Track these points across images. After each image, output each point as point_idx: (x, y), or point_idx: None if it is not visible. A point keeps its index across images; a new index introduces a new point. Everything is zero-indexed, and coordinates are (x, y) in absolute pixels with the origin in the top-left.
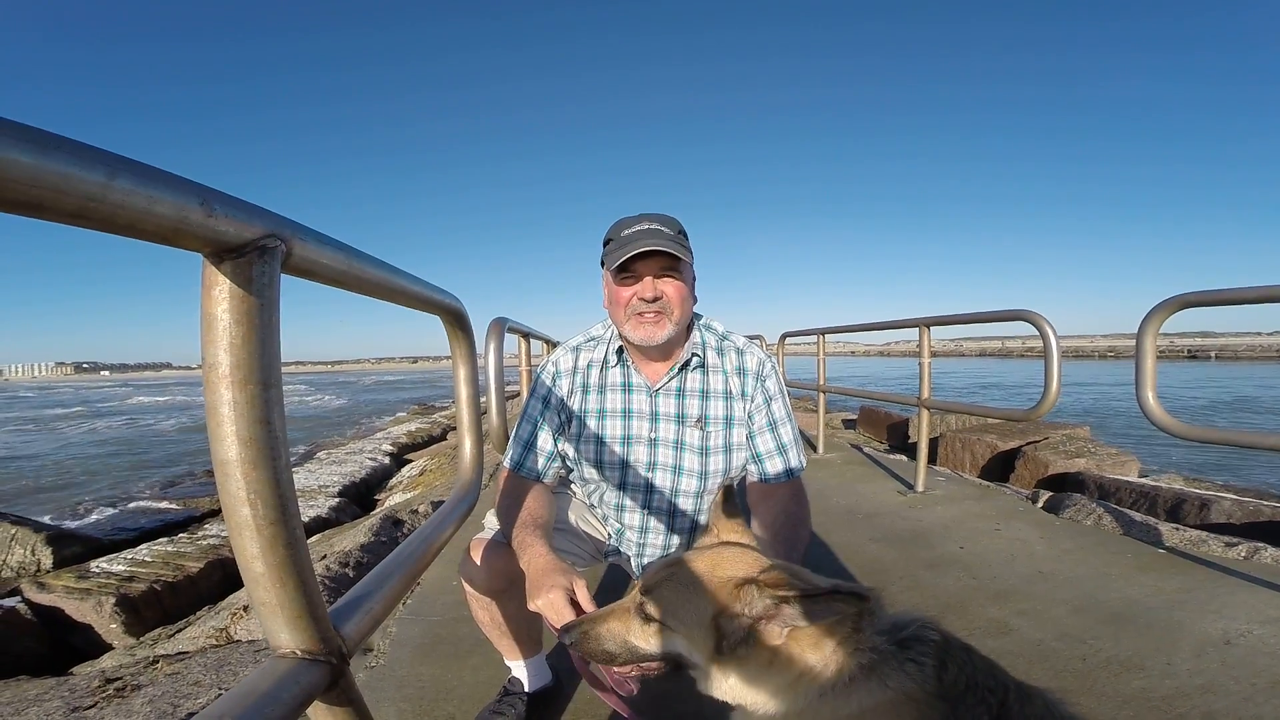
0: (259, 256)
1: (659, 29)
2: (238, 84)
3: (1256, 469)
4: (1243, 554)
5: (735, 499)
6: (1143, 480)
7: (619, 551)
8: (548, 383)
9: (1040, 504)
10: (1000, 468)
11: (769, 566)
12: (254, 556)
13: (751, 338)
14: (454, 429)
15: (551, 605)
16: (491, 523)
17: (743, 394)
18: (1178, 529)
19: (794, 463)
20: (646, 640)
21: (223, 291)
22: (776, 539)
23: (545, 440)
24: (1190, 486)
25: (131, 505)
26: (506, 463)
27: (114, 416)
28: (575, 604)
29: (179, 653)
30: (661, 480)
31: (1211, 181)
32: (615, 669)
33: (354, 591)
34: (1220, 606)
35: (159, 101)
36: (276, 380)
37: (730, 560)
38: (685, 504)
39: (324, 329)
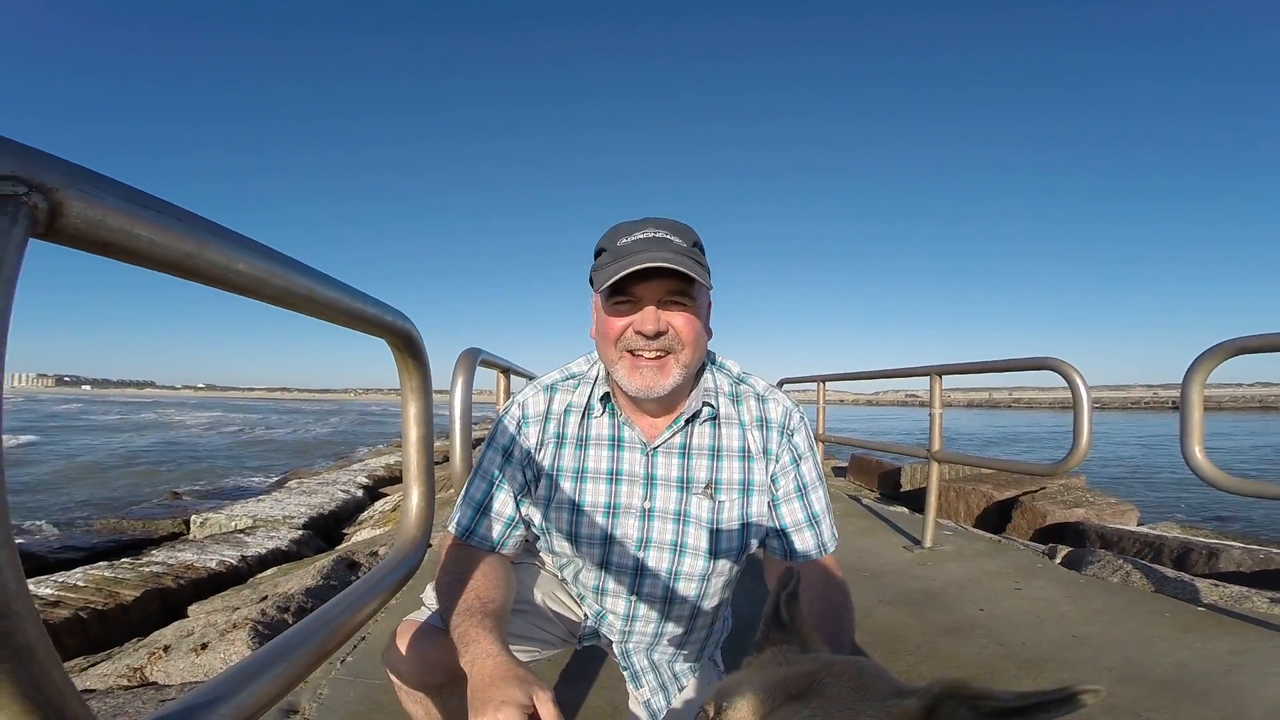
0: None
1: (652, 33)
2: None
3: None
4: None
5: (796, 601)
6: (1144, 529)
7: (598, 634)
8: (511, 430)
9: (1059, 559)
10: (996, 518)
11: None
12: None
13: None
14: (440, 463)
15: None
16: (431, 600)
17: (764, 452)
18: (1216, 585)
19: (826, 537)
20: None
21: None
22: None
23: (504, 503)
24: (1191, 535)
25: (93, 523)
26: (452, 528)
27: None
28: None
29: (83, 690)
30: (656, 561)
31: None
32: None
33: (195, 696)
34: None
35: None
36: None
37: (854, 689)
38: (686, 590)
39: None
